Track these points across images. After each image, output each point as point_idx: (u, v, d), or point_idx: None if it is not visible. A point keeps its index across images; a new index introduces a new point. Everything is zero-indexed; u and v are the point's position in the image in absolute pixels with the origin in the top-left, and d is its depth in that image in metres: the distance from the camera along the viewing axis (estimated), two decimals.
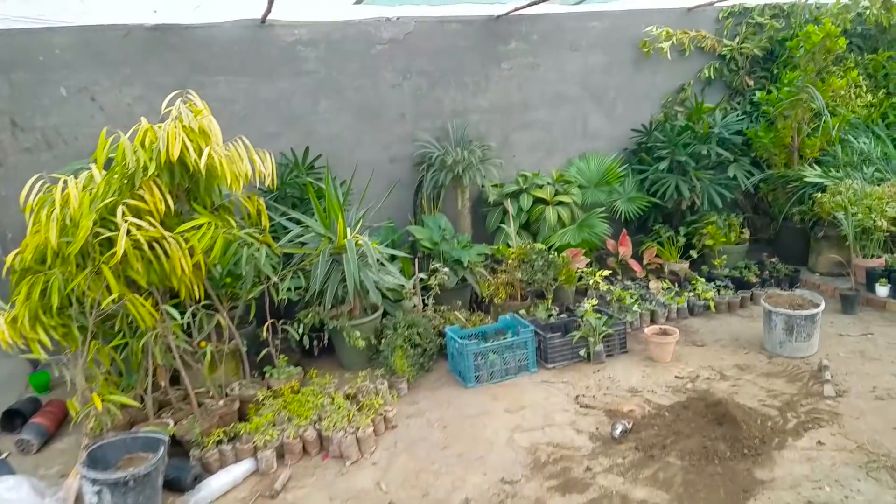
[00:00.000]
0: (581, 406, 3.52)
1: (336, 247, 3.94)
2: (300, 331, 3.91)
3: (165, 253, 3.18)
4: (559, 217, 5.19)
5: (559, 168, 5.71)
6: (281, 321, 3.96)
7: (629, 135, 5.95)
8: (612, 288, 4.68)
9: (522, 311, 4.41)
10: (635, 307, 4.54)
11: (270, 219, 3.93)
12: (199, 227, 3.25)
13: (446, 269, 4.46)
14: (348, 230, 3.96)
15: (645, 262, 5.30)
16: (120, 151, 3.04)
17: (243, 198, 3.67)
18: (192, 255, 3.26)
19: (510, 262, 4.52)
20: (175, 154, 3.09)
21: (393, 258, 4.37)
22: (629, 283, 5.06)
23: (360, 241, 3.90)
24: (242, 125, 4.65)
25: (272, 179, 3.56)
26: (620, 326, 4.13)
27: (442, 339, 4.19)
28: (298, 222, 4.22)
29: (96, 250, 3.13)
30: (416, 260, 4.54)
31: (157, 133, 3.15)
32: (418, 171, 5.30)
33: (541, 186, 5.29)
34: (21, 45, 4.07)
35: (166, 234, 3.14)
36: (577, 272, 4.66)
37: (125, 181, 3.16)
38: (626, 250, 5.23)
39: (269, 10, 4.25)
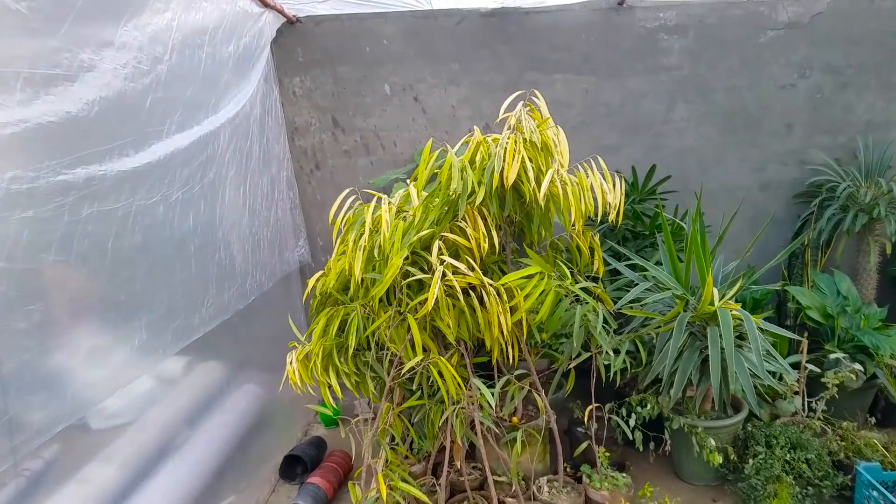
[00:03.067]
0: None
1: (697, 314, 2.89)
2: (631, 423, 2.97)
3: (482, 302, 2.50)
4: None
5: None
6: (607, 405, 3.06)
7: None
8: None
9: None
10: None
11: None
12: (530, 276, 2.49)
13: (857, 366, 3.09)
14: (715, 291, 2.87)
15: None
16: (445, 170, 2.42)
17: (577, 234, 2.84)
18: (512, 311, 2.54)
19: None
20: (511, 178, 2.37)
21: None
22: None
23: (736, 312, 2.78)
24: (575, 135, 3.86)
25: (619, 212, 2.66)
26: None
27: (843, 475, 2.86)
28: (637, 267, 3.27)
29: (403, 293, 2.58)
30: (801, 340, 3.25)
31: (492, 148, 2.47)
32: (802, 206, 3.94)
33: None
34: (350, 33, 3.81)
35: (486, 281, 2.45)
36: None
37: (446, 207, 2.54)
38: None
39: None
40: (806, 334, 3.29)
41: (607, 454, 3.00)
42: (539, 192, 2.39)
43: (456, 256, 2.59)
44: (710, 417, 3.07)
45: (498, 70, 3.80)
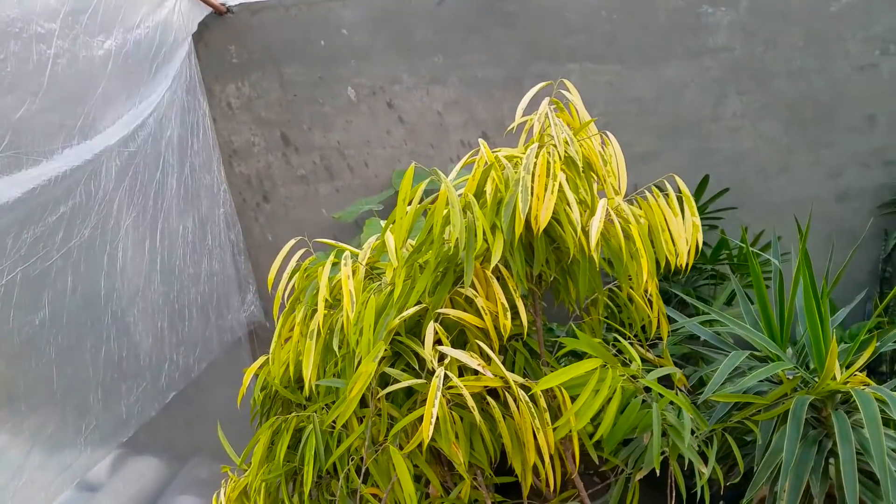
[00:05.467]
0: None
1: (816, 394, 2.02)
2: None
3: (506, 408, 1.64)
4: None
5: None
6: None
7: None
8: None
9: None
10: None
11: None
12: (584, 375, 1.61)
13: None
14: (837, 362, 2.01)
15: None
16: (439, 210, 1.53)
17: (637, 292, 1.97)
18: (555, 416, 1.68)
19: None
20: (545, 219, 1.49)
21: None
22: None
23: (877, 393, 1.92)
24: None
25: (691, 258, 1.80)
26: None
27: None
28: (711, 324, 2.41)
29: (382, 404, 1.69)
30: None
31: (508, 170, 1.59)
32: (891, 220, 3.11)
33: None
34: (298, 24, 2.93)
35: (515, 382, 1.57)
36: None
37: (443, 267, 1.66)
38: None
39: None
40: None
41: None
42: (589, 239, 1.51)
43: (461, 340, 1.72)
44: None
45: (495, 62, 2.94)
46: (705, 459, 1.98)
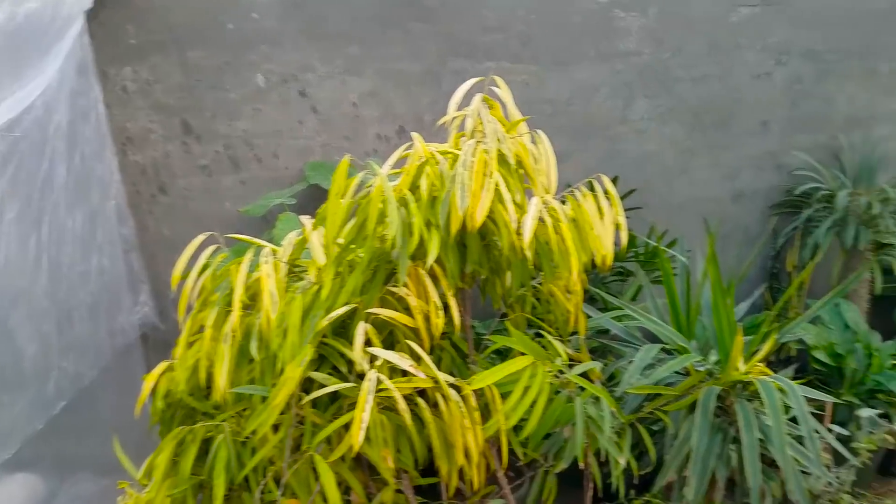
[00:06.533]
0: None
1: (722, 384, 2.14)
2: None
3: (436, 409, 1.62)
4: None
5: None
6: None
7: None
8: None
9: None
10: None
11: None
12: (517, 373, 1.61)
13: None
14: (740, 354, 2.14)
15: None
16: (372, 208, 1.47)
17: (560, 289, 2.01)
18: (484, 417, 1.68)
19: None
20: (481, 216, 1.48)
21: None
22: None
23: (777, 382, 2.06)
24: None
25: (610, 257, 1.86)
26: None
27: None
28: (621, 318, 2.49)
29: (307, 410, 1.62)
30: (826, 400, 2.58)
31: (442, 166, 1.57)
32: (782, 219, 3.36)
33: None
34: (204, 5, 2.76)
35: (446, 382, 1.56)
36: None
37: (374, 265, 1.61)
38: None
39: None
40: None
41: None
42: (523, 236, 1.52)
43: (390, 340, 1.68)
44: None
45: (413, 56, 2.90)
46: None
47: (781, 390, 2.05)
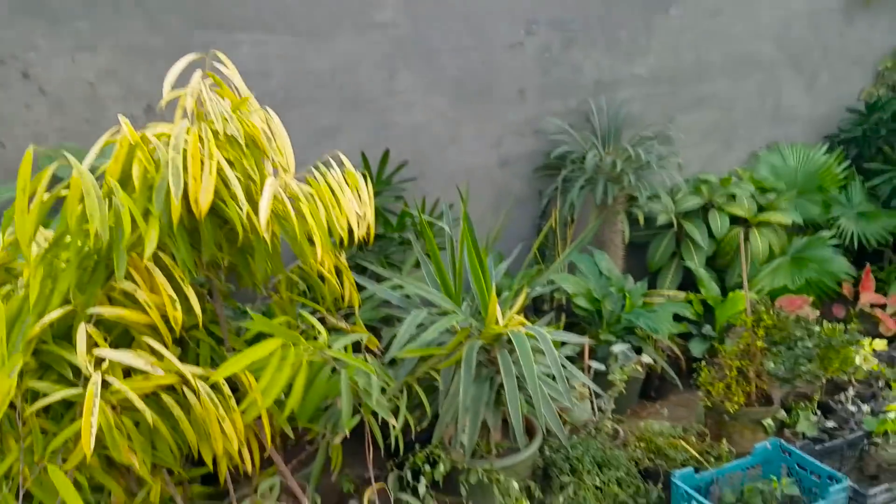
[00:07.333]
0: None
1: (485, 338, 2.30)
2: (421, 489, 2.31)
3: (187, 407, 1.57)
4: (768, 246, 3.60)
5: (741, 166, 4.09)
6: (390, 477, 2.34)
7: (835, 116, 4.32)
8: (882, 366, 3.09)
9: (768, 422, 2.81)
10: None
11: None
12: (266, 357, 1.59)
13: (646, 358, 2.84)
14: (499, 309, 2.31)
15: None
16: (72, 203, 1.36)
17: (316, 265, 2.02)
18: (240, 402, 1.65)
19: (745, 339, 2.87)
20: (206, 201, 1.44)
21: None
22: None
23: (529, 331, 2.25)
24: (280, 115, 2.96)
25: (370, 228, 1.93)
26: None
27: (654, 485, 2.58)
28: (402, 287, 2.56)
29: (33, 420, 1.49)
30: (585, 341, 2.88)
31: (159, 151, 1.49)
32: (545, 180, 3.65)
33: (734, 197, 3.67)
34: None
35: (191, 375, 1.51)
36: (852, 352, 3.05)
37: (89, 260, 1.49)
38: (869, 296, 3.64)
39: None
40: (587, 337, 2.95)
41: None
42: (258, 217, 1.50)
43: (126, 339, 1.59)
44: (503, 449, 2.57)
45: (154, 29, 2.71)
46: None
47: (533, 337, 2.26)
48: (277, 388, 1.61)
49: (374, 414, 1.98)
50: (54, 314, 1.38)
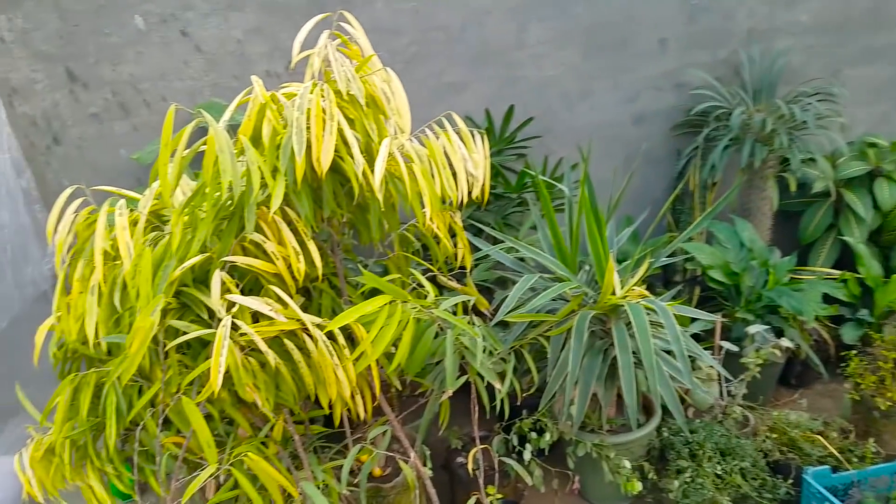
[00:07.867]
0: None
1: (599, 309, 2.27)
2: (526, 456, 2.35)
3: (307, 352, 1.70)
4: None
5: None
6: (495, 439, 2.40)
7: None
8: None
9: None
10: None
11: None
12: (375, 312, 1.69)
13: (785, 342, 2.65)
14: (617, 278, 2.25)
15: None
16: (209, 158, 1.50)
17: (430, 225, 2.07)
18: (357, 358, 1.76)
19: None
20: (327, 160, 1.52)
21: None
22: None
23: (646, 303, 2.19)
24: (409, 72, 3.06)
25: (484, 189, 1.93)
26: None
27: (783, 481, 2.42)
28: (512, 251, 2.56)
29: (172, 356, 1.68)
30: (715, 319, 2.72)
31: (287, 110, 1.59)
32: (684, 139, 3.45)
33: None
34: None
35: (311, 322, 1.63)
36: None
37: (224, 213, 1.64)
38: None
39: None
40: (721, 314, 2.80)
41: (499, 497, 2.36)
42: (373, 177, 1.57)
43: (256, 286, 1.74)
44: (617, 426, 2.54)
45: None
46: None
47: (652, 310, 2.18)
48: (384, 342, 1.70)
49: (481, 376, 2.03)
50: (193, 260, 1.54)
